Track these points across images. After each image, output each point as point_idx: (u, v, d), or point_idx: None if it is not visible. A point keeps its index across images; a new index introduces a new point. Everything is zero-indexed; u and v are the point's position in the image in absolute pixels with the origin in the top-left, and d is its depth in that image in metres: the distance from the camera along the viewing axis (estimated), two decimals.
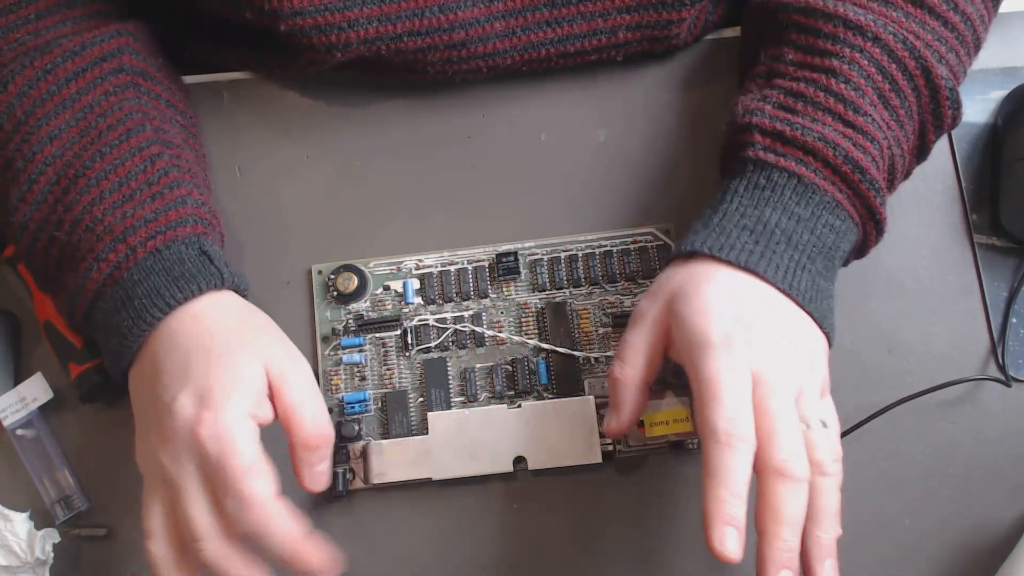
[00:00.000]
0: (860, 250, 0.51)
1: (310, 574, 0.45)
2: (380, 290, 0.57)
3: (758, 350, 0.44)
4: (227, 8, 0.53)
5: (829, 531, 0.45)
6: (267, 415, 0.47)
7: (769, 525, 0.42)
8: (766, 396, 0.43)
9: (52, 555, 0.54)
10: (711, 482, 0.42)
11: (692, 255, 0.48)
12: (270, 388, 0.47)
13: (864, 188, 0.48)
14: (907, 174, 0.53)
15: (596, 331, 0.56)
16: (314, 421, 0.48)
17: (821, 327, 0.47)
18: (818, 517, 0.44)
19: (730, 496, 0.41)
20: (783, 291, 0.46)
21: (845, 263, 0.52)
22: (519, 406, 0.54)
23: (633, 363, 0.47)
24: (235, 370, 0.46)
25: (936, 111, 0.50)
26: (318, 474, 0.48)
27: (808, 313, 0.47)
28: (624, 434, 0.49)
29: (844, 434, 0.52)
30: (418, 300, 0.57)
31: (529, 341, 0.56)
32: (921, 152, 0.52)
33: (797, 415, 0.44)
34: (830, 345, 0.48)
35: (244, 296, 0.52)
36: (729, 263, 0.46)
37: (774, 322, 0.45)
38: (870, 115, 0.48)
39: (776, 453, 0.42)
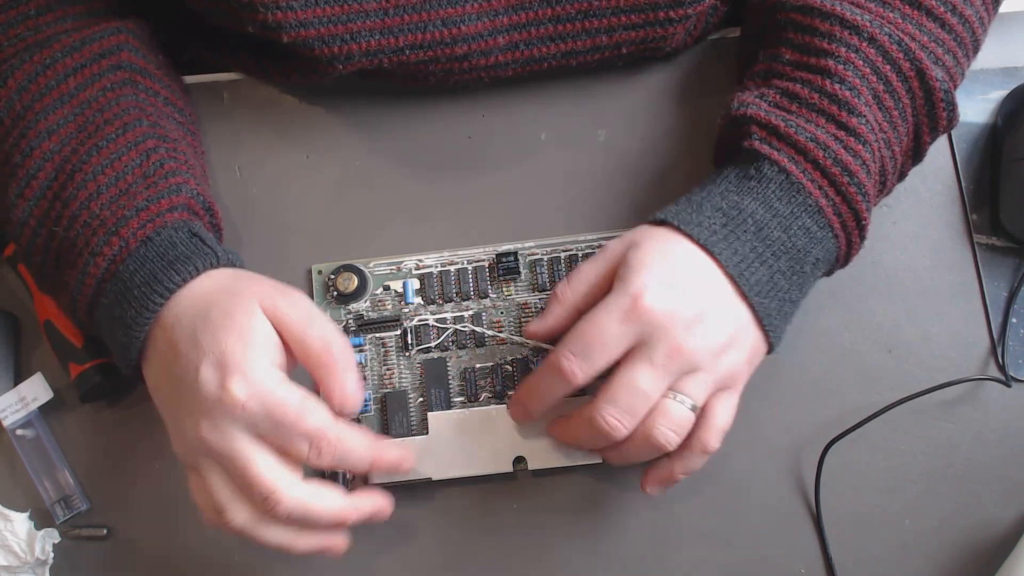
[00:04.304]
0: (845, 258, 0.51)
1: (392, 470, 0.49)
2: (380, 290, 0.57)
3: (661, 318, 0.45)
4: (230, 21, 0.53)
5: (608, 454, 0.49)
6: (284, 358, 0.47)
7: (558, 427, 0.50)
8: (638, 360, 0.45)
9: (52, 555, 0.54)
10: (527, 387, 0.49)
11: (663, 222, 0.49)
12: (275, 328, 0.47)
13: (851, 191, 0.48)
14: (902, 176, 0.53)
15: None
16: (322, 339, 0.47)
17: (762, 324, 0.47)
18: (613, 449, 0.48)
19: (527, 399, 0.49)
20: (731, 277, 0.47)
21: (828, 273, 0.52)
22: None
23: (575, 287, 0.49)
24: (239, 327, 0.46)
25: (931, 113, 0.50)
26: (348, 395, 0.47)
27: (751, 306, 0.47)
28: (537, 340, 0.52)
29: (844, 434, 0.52)
30: (418, 300, 0.57)
31: (529, 341, 0.56)
32: (916, 154, 0.52)
33: (663, 388, 0.46)
34: (770, 349, 0.49)
35: None
36: (690, 237, 0.47)
37: (699, 299, 0.46)
38: (864, 116, 0.48)
39: (600, 406, 0.46)
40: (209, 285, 0.49)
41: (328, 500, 0.47)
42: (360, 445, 0.47)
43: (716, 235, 0.47)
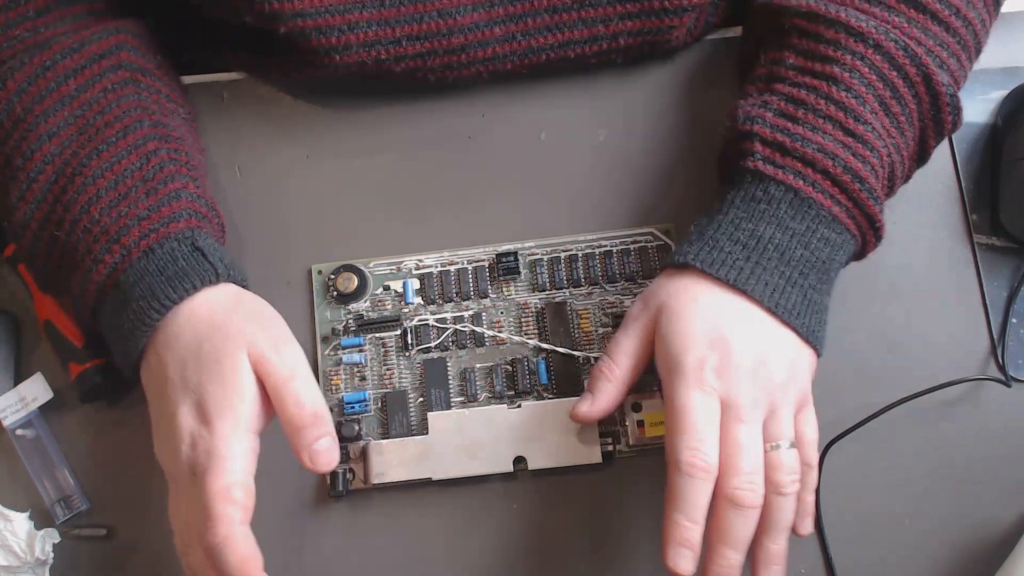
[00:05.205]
0: (860, 255, 0.51)
1: None
2: (380, 290, 0.57)
3: (730, 377, 0.45)
4: (226, 11, 0.53)
5: (779, 542, 0.47)
6: (263, 419, 0.47)
7: (715, 543, 0.45)
8: (731, 423, 0.45)
9: (52, 555, 0.54)
10: (671, 507, 0.45)
11: (685, 266, 0.48)
12: (259, 378, 0.47)
13: (863, 197, 0.48)
14: (907, 179, 0.53)
15: (596, 331, 0.56)
16: (296, 402, 0.46)
17: (808, 340, 0.48)
18: (769, 530, 0.46)
19: (686, 521, 0.44)
20: (768, 310, 0.47)
21: (844, 265, 0.52)
22: (519, 406, 0.54)
23: (620, 363, 0.49)
24: (224, 379, 0.46)
25: (937, 117, 0.50)
26: (316, 453, 0.46)
27: (795, 331, 0.47)
28: (588, 423, 0.51)
29: (844, 434, 0.52)
30: (418, 300, 0.57)
31: (529, 341, 0.56)
32: (921, 157, 0.52)
33: (763, 438, 0.46)
34: (819, 355, 0.49)
35: (244, 288, 0.51)
36: (717, 280, 0.47)
37: (751, 345, 0.46)
38: (871, 123, 0.48)
39: (731, 482, 0.45)
40: (203, 308, 0.48)
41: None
42: (237, 559, 0.43)
43: (743, 272, 0.47)
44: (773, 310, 0.47)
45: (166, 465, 0.47)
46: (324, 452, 0.46)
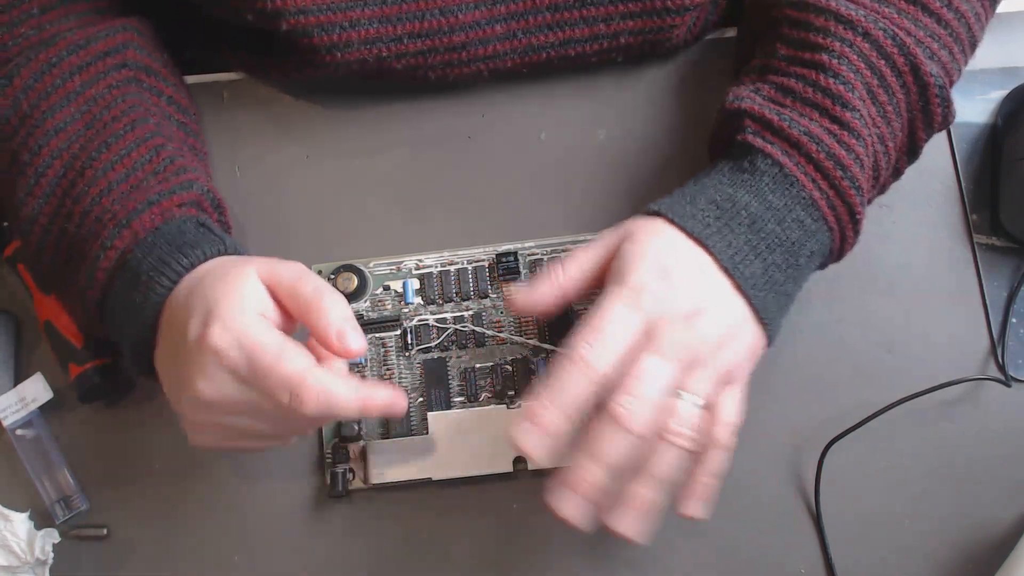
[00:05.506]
0: (839, 252, 0.51)
1: (385, 414, 0.47)
2: (380, 290, 0.57)
3: (665, 308, 0.45)
4: (227, 11, 0.53)
5: (647, 489, 0.45)
6: (275, 314, 0.46)
7: (580, 452, 0.44)
8: (645, 350, 0.45)
9: (52, 555, 0.54)
10: (544, 387, 0.44)
11: (658, 214, 0.48)
12: (271, 291, 0.46)
13: (844, 184, 0.48)
14: (897, 173, 0.53)
15: None
16: (314, 287, 0.45)
17: (760, 318, 0.47)
18: (641, 472, 0.45)
19: (550, 404, 0.44)
20: (726, 271, 0.47)
21: (822, 266, 0.51)
22: (519, 406, 0.54)
23: (569, 272, 0.49)
24: (229, 284, 0.45)
25: (926, 109, 0.50)
26: (342, 332, 0.45)
27: (748, 300, 0.47)
28: (518, 312, 0.50)
29: (843, 434, 0.52)
30: (418, 300, 0.57)
31: (529, 341, 0.56)
32: (911, 151, 0.52)
33: (672, 381, 0.45)
34: (769, 343, 0.49)
35: None
36: (683, 230, 0.47)
37: (696, 293, 0.46)
38: (857, 110, 0.48)
39: (616, 397, 0.44)
40: (214, 263, 0.48)
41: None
42: (345, 389, 0.44)
43: (710, 228, 0.47)
44: (731, 272, 0.46)
45: (197, 414, 0.46)
46: (351, 329, 0.45)
